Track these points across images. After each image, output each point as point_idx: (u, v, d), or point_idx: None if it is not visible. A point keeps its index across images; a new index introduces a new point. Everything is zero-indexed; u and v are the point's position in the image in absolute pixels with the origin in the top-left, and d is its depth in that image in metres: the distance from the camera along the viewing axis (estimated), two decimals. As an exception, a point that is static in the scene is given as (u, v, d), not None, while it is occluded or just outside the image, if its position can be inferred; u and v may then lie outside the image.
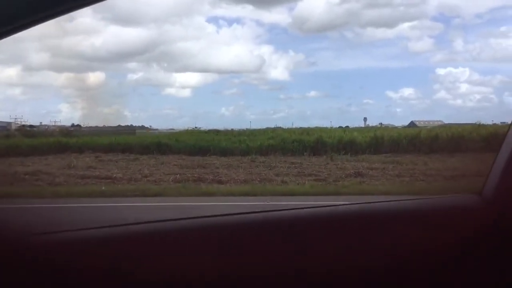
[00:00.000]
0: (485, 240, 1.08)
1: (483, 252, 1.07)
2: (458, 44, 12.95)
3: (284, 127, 11.89)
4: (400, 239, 1.08)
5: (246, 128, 12.32)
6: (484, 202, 1.14)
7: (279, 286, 1.05)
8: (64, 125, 12.91)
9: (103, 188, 6.81)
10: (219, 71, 14.14)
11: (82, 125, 13.02)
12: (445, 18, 13.14)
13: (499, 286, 1.08)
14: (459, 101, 13.27)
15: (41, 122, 13.24)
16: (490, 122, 10.73)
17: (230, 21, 14.68)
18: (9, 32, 0.74)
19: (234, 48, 13.47)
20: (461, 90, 13.10)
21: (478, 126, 10.22)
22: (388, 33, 13.89)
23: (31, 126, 12.73)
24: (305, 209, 1.12)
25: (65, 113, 15.08)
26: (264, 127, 12.03)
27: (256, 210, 1.16)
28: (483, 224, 1.11)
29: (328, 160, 8.82)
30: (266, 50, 13.98)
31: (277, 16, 14.92)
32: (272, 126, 12.01)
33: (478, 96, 13.36)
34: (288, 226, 1.10)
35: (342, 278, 1.06)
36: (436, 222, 1.10)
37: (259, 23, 14.33)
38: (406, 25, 13.13)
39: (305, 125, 12.08)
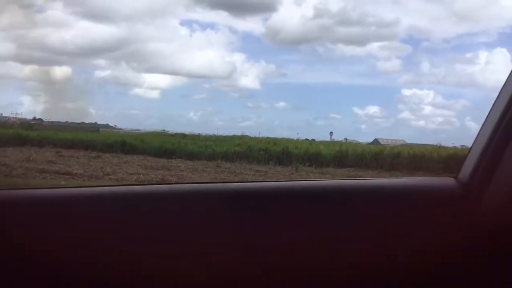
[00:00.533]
0: (458, 223, 1.11)
1: (457, 235, 1.10)
2: (425, 66, 13.32)
3: (251, 136, 11.90)
4: (371, 216, 1.10)
5: (213, 134, 12.27)
6: (460, 184, 1.18)
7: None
8: (25, 118, 12.48)
9: (62, 183, 6.64)
10: (190, 75, 14.01)
11: (44, 119, 12.62)
12: (414, 41, 13.51)
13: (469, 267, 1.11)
14: (422, 122, 13.60)
15: (1, 113, 12.78)
16: (450, 145, 11.08)
17: (204, 26, 14.57)
18: None
19: (206, 53, 13.40)
20: (425, 111, 13.45)
21: (439, 148, 10.53)
22: (358, 50, 14.18)
23: (-10, 116, 12.26)
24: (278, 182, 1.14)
25: (27, 106, 14.55)
26: (231, 134, 12.00)
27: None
28: (458, 206, 1.14)
29: (293, 170, 8.89)
30: (238, 57, 13.98)
31: (251, 25, 14.98)
32: (240, 133, 12.00)
33: (440, 119, 13.73)
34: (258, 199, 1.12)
35: (312, 252, 1.08)
36: (410, 202, 1.13)
37: (232, 30, 14.30)
38: (376, 44, 13.40)
39: (272, 135, 12.11)
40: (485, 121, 1.22)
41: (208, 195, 1.14)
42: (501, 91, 1.20)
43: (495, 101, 1.20)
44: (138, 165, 8.36)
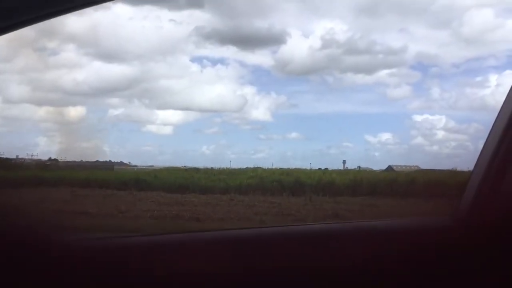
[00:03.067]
0: (456, 260, 1.10)
1: (454, 272, 1.10)
2: (435, 92, 13.33)
3: (264, 167, 11.91)
4: (370, 257, 1.10)
5: (227, 167, 12.30)
6: (456, 223, 1.17)
7: None
8: (40, 159, 12.68)
9: (77, 222, 6.66)
10: (201, 110, 14.19)
11: (59, 159, 12.80)
12: (422, 67, 13.58)
13: None
14: (435, 147, 13.50)
15: (17, 155, 13.00)
16: (465, 169, 10.93)
17: (214, 61, 14.85)
18: (8, 28, 0.77)
19: (217, 87, 13.60)
20: (438, 136, 13.37)
21: (454, 172, 10.40)
22: (367, 79, 14.25)
23: (7, 159, 12.48)
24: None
25: (43, 146, 14.80)
26: (244, 167, 12.02)
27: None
28: (454, 245, 1.13)
29: (307, 200, 8.83)
30: (248, 90, 14.15)
31: (261, 58, 15.18)
32: (252, 165, 12.01)
33: (454, 143, 13.62)
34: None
35: None
36: (407, 242, 1.13)
37: (242, 64, 14.53)
38: (384, 72, 13.48)
39: (285, 166, 12.11)
40: (477, 159, 1.23)
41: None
42: (494, 123, 1.21)
43: (493, 124, 1.21)
44: (152, 201, 8.38)
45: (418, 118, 13.30)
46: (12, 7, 0.74)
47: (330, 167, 12.69)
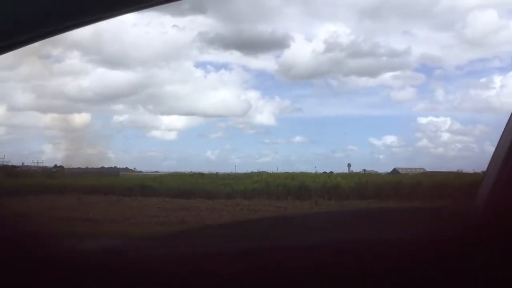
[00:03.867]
0: (477, 245, 1.10)
1: (472, 256, 1.10)
2: (439, 94, 13.28)
3: (269, 172, 11.91)
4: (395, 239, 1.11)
5: (231, 172, 12.30)
6: (477, 210, 1.17)
7: None
8: (46, 166, 12.72)
9: (83, 229, 6.67)
10: (206, 115, 14.22)
11: (65, 166, 12.84)
12: (426, 69, 13.58)
13: None
14: (440, 150, 13.45)
15: (23, 163, 13.04)
16: (471, 171, 10.88)
17: (218, 66, 14.87)
18: (10, 46, 0.77)
19: (221, 92, 13.64)
20: (443, 139, 13.31)
21: (460, 174, 10.35)
22: (371, 82, 14.24)
23: (13, 166, 12.53)
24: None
25: (48, 154, 14.85)
26: (249, 171, 12.02)
27: None
28: (476, 231, 1.13)
29: (313, 204, 8.81)
30: (252, 95, 14.16)
31: (264, 62, 15.21)
32: (257, 170, 12.00)
33: (459, 145, 13.56)
34: None
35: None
36: (429, 228, 1.14)
37: (246, 69, 14.56)
38: (388, 74, 13.46)
39: (290, 169, 12.09)
40: (497, 144, 1.23)
41: None
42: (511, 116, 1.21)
43: (506, 126, 1.21)
44: (158, 207, 8.39)
45: (423, 120, 13.26)
46: (23, 22, 0.75)
47: (335, 171, 12.68)
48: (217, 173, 12.45)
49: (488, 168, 1.24)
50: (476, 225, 1.15)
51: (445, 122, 12.96)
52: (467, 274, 1.10)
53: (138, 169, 13.57)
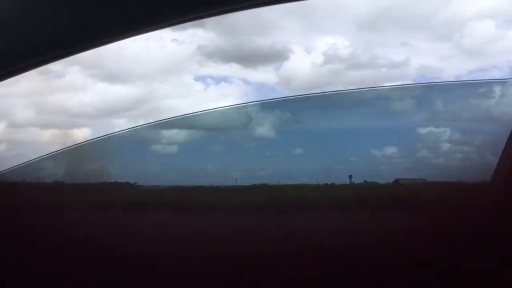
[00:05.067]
0: (492, 224, 1.10)
1: (489, 235, 1.09)
2: (439, 104, 13.33)
3: (270, 184, 11.90)
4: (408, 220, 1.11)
5: (232, 185, 12.29)
6: (494, 188, 1.18)
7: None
8: (46, 182, 12.71)
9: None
10: (206, 128, 14.26)
11: (66, 182, 12.82)
12: (426, 79, 13.63)
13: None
14: (441, 160, 13.47)
15: (23, 179, 13.04)
16: (471, 181, 10.87)
17: (218, 80, 14.95)
18: (11, 73, 0.78)
19: (221, 105, 13.68)
20: (443, 149, 13.34)
21: (461, 184, 10.35)
22: (371, 93, 14.27)
23: (14, 183, 12.51)
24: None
25: (48, 170, 14.86)
26: (251, 184, 12.01)
27: None
28: (491, 210, 1.14)
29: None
30: (253, 108, 14.23)
31: (264, 75, 15.29)
32: (258, 183, 12.00)
33: (460, 155, 13.56)
34: None
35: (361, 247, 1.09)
36: (444, 204, 1.14)
37: (246, 81, 14.63)
38: (388, 85, 13.50)
39: (291, 182, 12.10)
40: (501, 155, 1.24)
41: None
42: None
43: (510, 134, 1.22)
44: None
45: (423, 130, 13.28)
46: (24, 50, 0.75)
47: (337, 182, 12.65)
48: (218, 186, 12.43)
49: (492, 178, 1.25)
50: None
51: (444, 132, 13.00)
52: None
53: (139, 183, 13.58)
